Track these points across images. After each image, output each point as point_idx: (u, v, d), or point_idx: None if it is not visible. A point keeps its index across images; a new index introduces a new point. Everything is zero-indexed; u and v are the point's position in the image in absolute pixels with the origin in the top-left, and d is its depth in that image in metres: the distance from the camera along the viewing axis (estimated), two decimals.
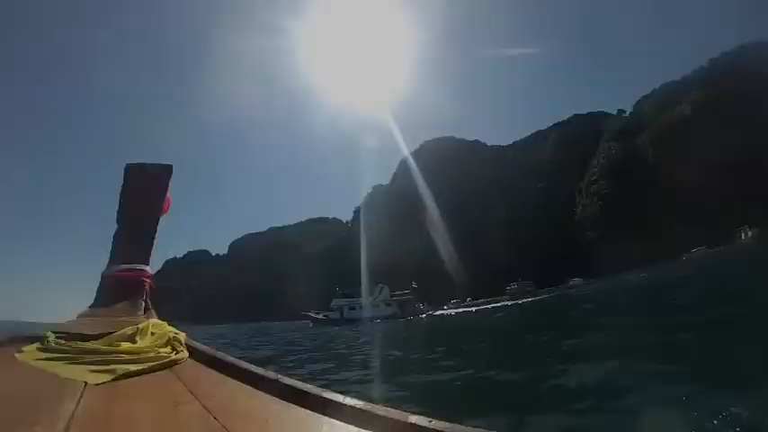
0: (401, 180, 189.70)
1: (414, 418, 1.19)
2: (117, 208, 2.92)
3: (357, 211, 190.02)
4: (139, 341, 1.91)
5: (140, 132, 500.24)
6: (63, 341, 1.77)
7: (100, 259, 2.82)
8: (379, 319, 54.33)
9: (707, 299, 19.24)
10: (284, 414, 1.38)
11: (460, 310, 61.24)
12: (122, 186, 2.92)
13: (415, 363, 13.78)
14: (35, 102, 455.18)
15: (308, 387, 1.52)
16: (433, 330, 29.36)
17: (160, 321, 2.29)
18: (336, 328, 45.59)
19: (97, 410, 1.23)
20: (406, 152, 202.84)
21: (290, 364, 15.23)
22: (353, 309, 62.39)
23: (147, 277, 2.77)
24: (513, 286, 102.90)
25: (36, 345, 1.75)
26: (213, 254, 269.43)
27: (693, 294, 22.59)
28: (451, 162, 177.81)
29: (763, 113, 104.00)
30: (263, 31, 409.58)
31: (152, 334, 2.04)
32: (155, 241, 2.95)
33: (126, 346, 1.82)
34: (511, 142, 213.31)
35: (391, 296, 64.47)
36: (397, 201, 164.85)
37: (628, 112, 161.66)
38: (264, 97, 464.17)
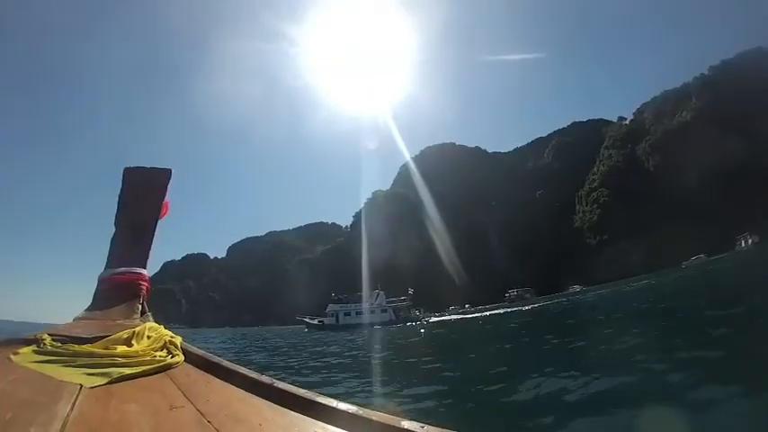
0: (401, 185, 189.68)
1: (406, 424, 1.20)
2: (115, 211, 2.92)
3: (356, 217, 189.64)
4: (135, 344, 1.94)
5: (141, 135, 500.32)
6: (59, 343, 1.79)
7: (101, 261, 2.81)
8: (374, 324, 53.63)
9: (716, 301, 18.73)
10: (278, 418, 1.39)
11: (458, 316, 60.52)
12: (121, 189, 2.92)
13: (401, 369, 13.44)
14: (39, 102, 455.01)
15: (302, 392, 1.53)
16: (425, 337, 28.78)
17: (156, 325, 2.31)
18: (332, 333, 44.98)
19: (92, 413, 1.24)
20: (407, 156, 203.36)
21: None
22: (349, 314, 61.83)
23: (145, 280, 2.76)
24: (513, 293, 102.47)
25: (32, 347, 1.76)
26: (212, 257, 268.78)
27: (703, 298, 22.17)
28: (452, 168, 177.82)
29: (764, 121, 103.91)
30: (266, 35, 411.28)
31: (148, 337, 2.07)
32: (152, 245, 2.94)
33: (122, 349, 1.84)
34: (512, 149, 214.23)
35: (387, 302, 63.84)
36: (396, 206, 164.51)
37: (628, 120, 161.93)
38: (266, 102, 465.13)
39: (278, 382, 1.64)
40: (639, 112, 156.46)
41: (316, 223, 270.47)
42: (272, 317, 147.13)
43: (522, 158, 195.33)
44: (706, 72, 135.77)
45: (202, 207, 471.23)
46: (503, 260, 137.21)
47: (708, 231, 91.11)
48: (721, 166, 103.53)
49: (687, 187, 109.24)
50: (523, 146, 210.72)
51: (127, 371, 1.62)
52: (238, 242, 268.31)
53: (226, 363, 1.94)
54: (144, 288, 2.75)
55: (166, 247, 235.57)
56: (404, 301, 64.73)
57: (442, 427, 1.14)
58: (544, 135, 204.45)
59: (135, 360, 1.75)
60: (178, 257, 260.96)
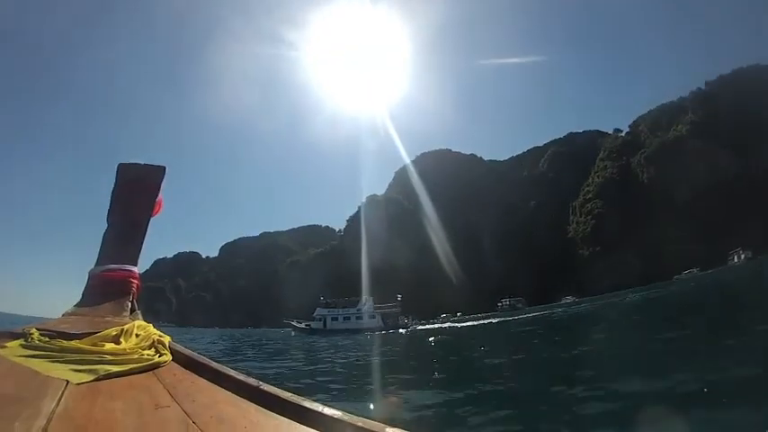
0: (396, 191, 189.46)
1: (390, 430, 1.22)
2: (108, 206, 2.90)
3: (350, 220, 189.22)
4: (124, 342, 1.95)
5: (138, 132, 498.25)
6: (47, 338, 1.79)
7: (93, 257, 2.81)
8: (361, 330, 53.04)
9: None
10: (263, 421, 1.39)
11: (446, 324, 60.07)
12: (114, 185, 2.90)
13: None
14: (36, 96, 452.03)
15: (288, 395, 1.53)
16: (411, 345, 28.36)
17: (145, 323, 2.33)
18: (324, 339, 44.39)
19: (77, 410, 1.24)
20: (406, 159, 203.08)
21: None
22: (336, 319, 60.98)
23: (135, 278, 2.74)
24: (505, 302, 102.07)
25: (20, 341, 1.77)
26: (203, 256, 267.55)
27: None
28: (447, 174, 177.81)
29: (758, 136, 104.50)
30: (263, 37, 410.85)
31: (136, 336, 2.08)
32: (144, 242, 2.91)
33: (110, 346, 1.84)
34: (507, 157, 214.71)
35: (376, 308, 63.23)
36: (391, 211, 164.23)
37: (624, 132, 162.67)
38: (263, 104, 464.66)
39: (265, 384, 1.64)
40: (635, 124, 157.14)
41: (309, 226, 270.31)
42: (263, 318, 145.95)
43: (517, 167, 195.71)
44: (702, 87, 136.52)
45: (196, 205, 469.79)
46: (495, 269, 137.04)
47: (701, 245, 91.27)
48: (715, 181, 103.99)
49: (681, 201, 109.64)
50: (519, 154, 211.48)
51: (114, 368, 1.62)
52: (231, 242, 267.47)
53: (213, 364, 1.93)
54: (134, 286, 2.70)
55: (158, 245, 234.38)
56: (393, 307, 64.16)
57: None
58: (540, 144, 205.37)
59: (122, 358, 1.76)
60: (170, 255, 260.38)
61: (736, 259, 78.41)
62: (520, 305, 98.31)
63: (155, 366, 1.80)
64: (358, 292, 66.71)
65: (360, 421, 1.32)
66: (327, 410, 1.39)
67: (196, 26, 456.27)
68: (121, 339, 1.95)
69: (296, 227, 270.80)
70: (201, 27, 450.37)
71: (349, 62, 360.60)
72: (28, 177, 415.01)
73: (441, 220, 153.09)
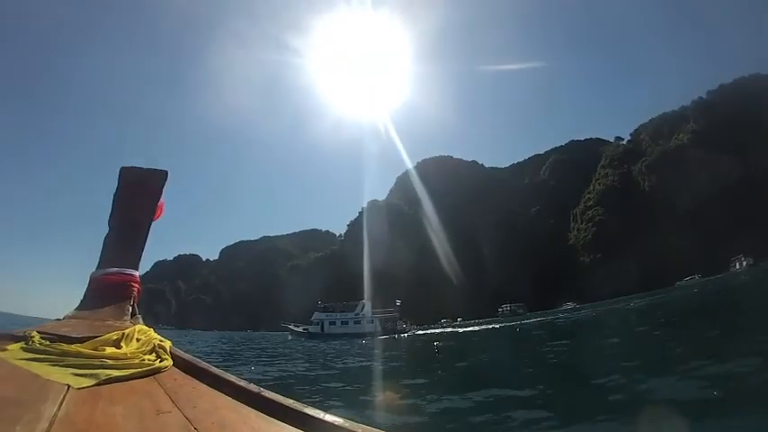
0: (397, 196, 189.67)
1: None
2: (110, 210, 2.91)
3: (350, 225, 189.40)
4: (124, 347, 1.94)
5: (141, 135, 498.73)
6: (48, 342, 1.78)
7: (94, 260, 2.83)
8: (359, 335, 52.64)
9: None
10: (264, 428, 1.39)
11: (446, 330, 59.95)
12: (116, 189, 2.91)
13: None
14: (46, 101, 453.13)
15: (290, 402, 1.52)
16: (408, 349, 28.34)
17: (146, 327, 2.33)
18: (322, 343, 44.28)
19: (79, 414, 1.23)
20: (408, 164, 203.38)
21: None
22: (334, 324, 60.68)
23: (136, 282, 2.75)
24: (506, 308, 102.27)
25: (20, 344, 1.76)
26: (204, 259, 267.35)
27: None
28: (449, 181, 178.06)
29: (759, 146, 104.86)
30: (265, 41, 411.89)
31: (137, 340, 2.08)
32: (145, 246, 2.92)
33: (111, 351, 1.83)
34: (508, 165, 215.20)
35: (374, 312, 62.95)
36: (392, 216, 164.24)
37: (625, 140, 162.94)
38: (264, 108, 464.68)
39: (266, 391, 1.62)
40: (636, 132, 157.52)
41: (310, 230, 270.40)
42: (262, 322, 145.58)
43: (518, 174, 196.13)
44: (704, 96, 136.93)
45: (197, 208, 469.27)
46: (496, 275, 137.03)
47: (702, 253, 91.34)
48: (717, 189, 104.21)
49: (682, 208, 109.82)
50: (520, 162, 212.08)
51: (115, 373, 1.61)
52: (231, 245, 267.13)
53: (214, 369, 1.92)
54: (135, 290, 2.72)
55: (159, 247, 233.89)
56: (391, 312, 63.88)
57: None
58: (541, 152, 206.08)
59: (123, 362, 1.75)
60: (170, 257, 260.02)
61: (737, 266, 78.54)
62: (521, 311, 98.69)
63: (156, 371, 1.79)
64: (358, 297, 66.58)
65: (360, 428, 1.32)
66: (329, 417, 1.38)
67: (201, 30, 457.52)
68: (122, 344, 1.94)
69: (296, 231, 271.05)
70: (206, 31, 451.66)
71: (350, 68, 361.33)
72: (31, 178, 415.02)
73: (442, 225, 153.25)
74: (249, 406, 1.54)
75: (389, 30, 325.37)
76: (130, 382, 1.63)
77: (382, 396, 10.28)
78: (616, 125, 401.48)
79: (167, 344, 2.13)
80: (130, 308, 2.63)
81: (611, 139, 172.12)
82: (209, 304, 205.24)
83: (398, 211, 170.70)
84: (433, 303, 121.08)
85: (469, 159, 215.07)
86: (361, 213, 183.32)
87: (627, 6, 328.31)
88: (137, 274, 2.78)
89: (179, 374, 1.86)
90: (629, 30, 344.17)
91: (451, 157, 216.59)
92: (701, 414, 6.08)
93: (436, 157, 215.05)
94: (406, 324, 62.75)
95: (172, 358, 1.99)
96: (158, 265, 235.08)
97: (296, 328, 63.03)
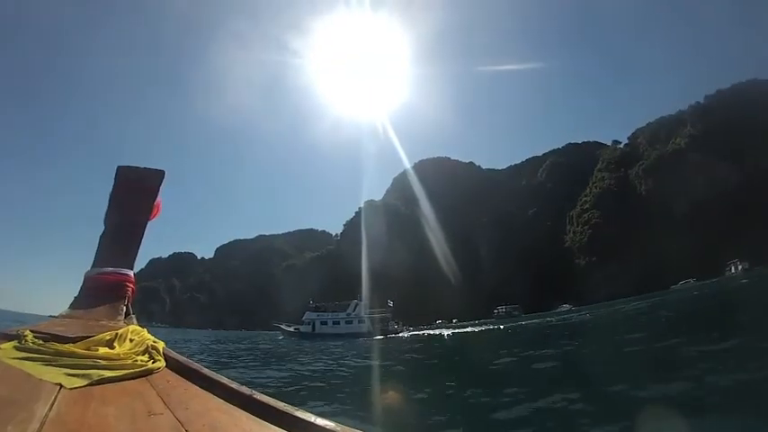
0: (394, 197, 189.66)
1: None
2: (106, 209, 2.89)
3: (346, 225, 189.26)
4: (118, 347, 1.93)
5: (139, 134, 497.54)
6: (41, 341, 1.77)
7: (90, 259, 2.79)
8: (350, 336, 52.15)
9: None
10: (255, 430, 1.38)
11: (438, 331, 59.65)
12: (113, 188, 2.89)
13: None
14: (45, 101, 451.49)
15: (281, 405, 1.51)
16: (394, 351, 28.13)
17: (140, 328, 2.31)
18: (308, 342, 43.96)
19: (71, 415, 1.23)
20: (407, 164, 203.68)
21: None
22: (326, 323, 60.20)
23: (131, 282, 2.72)
24: (501, 309, 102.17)
25: (13, 342, 1.74)
26: (199, 257, 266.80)
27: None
28: (446, 182, 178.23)
29: (756, 151, 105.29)
30: (264, 42, 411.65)
31: (131, 341, 2.05)
32: (140, 246, 2.91)
33: (103, 351, 1.82)
34: (506, 166, 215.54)
35: (367, 312, 62.43)
36: (388, 217, 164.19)
37: (622, 144, 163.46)
38: (264, 108, 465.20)
39: (258, 393, 1.62)
40: (634, 136, 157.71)
41: (306, 230, 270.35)
42: (257, 321, 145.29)
43: (515, 176, 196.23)
44: (701, 100, 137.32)
45: (193, 206, 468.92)
46: (492, 277, 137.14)
47: (697, 257, 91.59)
48: (713, 193, 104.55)
49: (679, 213, 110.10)
50: (518, 164, 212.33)
51: (108, 374, 1.61)
52: (227, 243, 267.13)
53: (206, 371, 1.92)
54: (129, 290, 2.67)
55: (154, 244, 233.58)
56: (384, 312, 63.43)
57: None
58: (539, 154, 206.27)
59: (116, 363, 1.74)
60: (165, 255, 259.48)
61: (733, 270, 78.71)
62: (516, 312, 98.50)
63: (148, 372, 1.79)
64: (355, 297, 65.86)
65: None
66: (320, 421, 1.38)
67: (201, 30, 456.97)
68: (115, 344, 1.93)
69: (292, 230, 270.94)
70: (205, 31, 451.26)
71: (347, 69, 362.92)
72: (31, 176, 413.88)
73: (439, 226, 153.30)
74: (241, 408, 1.53)
75: (387, 31, 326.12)
76: (123, 382, 1.63)
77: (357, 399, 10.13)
78: (613, 129, 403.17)
79: (160, 345, 2.12)
80: (124, 308, 2.58)
81: (609, 143, 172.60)
82: (204, 303, 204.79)
83: (395, 211, 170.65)
84: (430, 304, 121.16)
85: (466, 161, 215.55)
86: (357, 213, 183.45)
87: (625, 9, 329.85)
88: (131, 273, 2.73)
89: (171, 376, 1.86)
90: (627, 33, 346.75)
91: (449, 158, 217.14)
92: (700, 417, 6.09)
93: (433, 158, 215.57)
94: (398, 325, 62.40)
95: (165, 359, 1.99)
96: (153, 263, 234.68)
97: (287, 328, 62.71)
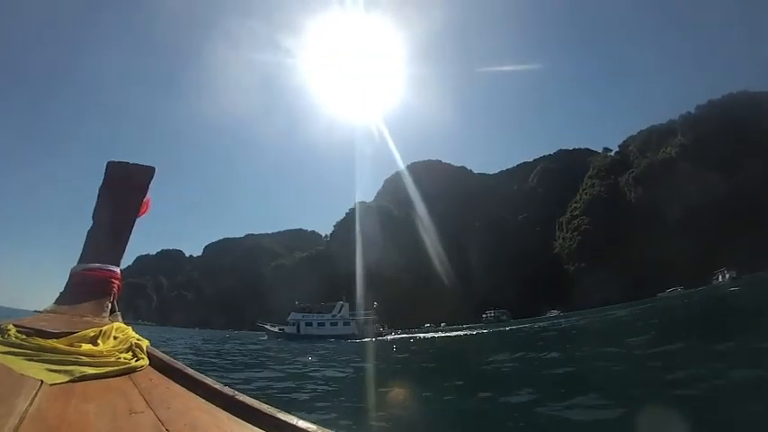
0: (385, 199, 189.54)
1: None
2: (95, 204, 2.87)
3: (336, 226, 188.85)
4: (101, 344, 1.91)
5: (129, 130, 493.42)
6: (24, 336, 1.75)
7: (77, 254, 2.77)
8: (335, 337, 52.16)
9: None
10: (236, 431, 1.38)
11: (422, 335, 59.49)
12: (102, 183, 2.88)
13: None
14: (40, 97, 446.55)
15: (264, 407, 1.50)
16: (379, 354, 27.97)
17: (124, 326, 2.30)
18: (293, 344, 43.54)
19: (51, 411, 1.21)
20: (401, 165, 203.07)
21: None
22: (310, 324, 59.79)
23: (117, 279, 2.70)
24: (490, 314, 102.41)
25: None
26: (187, 255, 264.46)
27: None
28: (437, 185, 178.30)
29: (745, 161, 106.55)
30: (256, 40, 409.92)
31: (115, 338, 2.04)
32: (128, 242, 2.88)
33: (87, 347, 1.80)
34: (497, 171, 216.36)
35: (352, 315, 62.14)
36: (379, 219, 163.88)
37: (613, 151, 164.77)
38: (255, 107, 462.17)
39: (240, 394, 1.61)
40: (625, 144, 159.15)
41: (295, 229, 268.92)
42: (245, 321, 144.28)
43: (507, 181, 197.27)
44: (692, 111, 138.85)
45: (182, 203, 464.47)
46: (482, 281, 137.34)
47: (685, 265, 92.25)
48: (702, 203, 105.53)
49: (668, 221, 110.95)
50: (509, 169, 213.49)
51: (90, 370, 1.58)
52: (216, 242, 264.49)
53: (189, 370, 1.90)
54: (115, 287, 2.64)
55: (142, 241, 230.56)
56: (369, 315, 63.13)
57: None
58: (530, 160, 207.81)
59: (99, 360, 1.72)
60: (153, 252, 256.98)
61: (720, 278, 79.43)
62: (504, 317, 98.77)
63: (131, 370, 1.77)
64: (341, 299, 65.49)
65: None
66: (302, 423, 1.38)
67: (192, 28, 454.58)
68: (99, 341, 1.90)
69: (282, 230, 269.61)
70: (197, 29, 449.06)
71: (340, 69, 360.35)
72: (28, 171, 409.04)
73: (430, 229, 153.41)
74: (223, 409, 1.52)
75: (380, 32, 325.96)
76: (105, 380, 1.61)
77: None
78: (604, 136, 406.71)
79: (144, 343, 2.10)
80: (110, 304, 2.54)
81: (600, 150, 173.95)
82: (192, 301, 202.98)
83: (387, 213, 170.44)
84: (421, 307, 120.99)
85: (458, 164, 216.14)
86: (348, 214, 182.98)
87: (618, 16, 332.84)
88: (118, 270, 2.68)
89: (154, 374, 1.84)
90: (621, 40, 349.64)
91: (440, 161, 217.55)
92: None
93: (425, 160, 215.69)
94: (383, 327, 62.18)
95: (148, 358, 1.97)
96: (140, 260, 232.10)
97: (272, 329, 62.22)
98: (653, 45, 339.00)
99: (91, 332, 1.92)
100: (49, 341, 1.72)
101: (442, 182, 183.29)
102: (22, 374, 1.40)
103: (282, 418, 1.41)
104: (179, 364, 1.96)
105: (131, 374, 1.74)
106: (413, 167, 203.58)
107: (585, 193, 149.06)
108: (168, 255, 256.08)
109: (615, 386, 8.95)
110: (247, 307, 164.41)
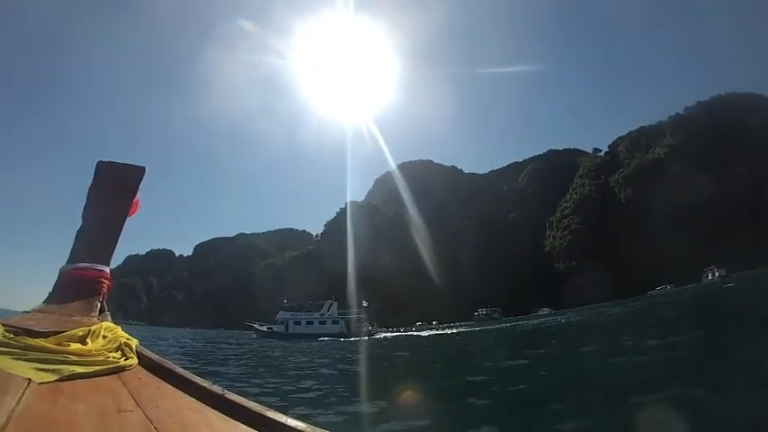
0: (375, 198, 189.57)
1: None
2: (84, 204, 2.84)
3: (327, 226, 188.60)
4: (90, 343, 1.88)
5: (121, 130, 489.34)
6: (12, 335, 1.72)
7: (66, 254, 2.71)
8: (323, 336, 51.81)
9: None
10: (225, 429, 1.37)
11: (415, 333, 59.52)
12: (92, 183, 2.84)
13: None
14: (38, 94, 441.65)
15: (253, 405, 1.50)
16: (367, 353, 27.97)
17: (113, 325, 2.28)
18: (278, 341, 43.52)
19: (38, 410, 1.21)
20: (392, 165, 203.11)
21: None
22: (299, 323, 59.60)
23: (106, 278, 2.66)
24: (481, 312, 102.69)
25: None
26: (177, 254, 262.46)
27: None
28: (428, 185, 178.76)
29: (733, 162, 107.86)
30: (248, 41, 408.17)
31: (104, 337, 2.01)
32: (118, 242, 2.85)
33: (75, 347, 1.78)
34: (487, 171, 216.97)
35: (340, 313, 61.98)
36: (370, 218, 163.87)
37: (603, 152, 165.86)
38: (246, 109, 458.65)
39: (229, 393, 1.60)
40: (614, 145, 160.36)
41: (286, 229, 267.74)
42: (236, 321, 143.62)
43: (497, 181, 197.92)
44: (681, 112, 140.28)
45: (172, 203, 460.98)
46: (472, 279, 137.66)
47: (675, 263, 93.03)
48: (691, 202, 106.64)
49: (657, 220, 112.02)
50: (499, 169, 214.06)
51: (78, 369, 1.57)
52: (206, 241, 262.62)
53: (179, 369, 1.89)
54: (105, 286, 2.60)
55: (131, 240, 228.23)
56: (359, 313, 62.99)
57: None
58: (520, 160, 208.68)
59: (88, 359, 1.70)
60: (142, 252, 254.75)
61: (710, 276, 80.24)
62: (496, 315, 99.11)
63: (120, 369, 1.75)
64: (336, 298, 65.23)
65: None
66: (291, 421, 1.38)
67: (184, 29, 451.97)
68: (88, 340, 1.88)
69: (272, 229, 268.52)
70: (189, 30, 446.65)
71: (330, 69, 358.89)
72: (23, 172, 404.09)
73: (420, 229, 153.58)
74: (212, 407, 1.51)
75: (371, 32, 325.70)
76: (94, 379, 1.59)
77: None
78: (594, 137, 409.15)
79: (134, 342, 2.08)
80: (99, 304, 2.51)
81: (589, 150, 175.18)
82: (182, 301, 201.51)
83: (378, 212, 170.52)
84: (413, 305, 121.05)
85: (449, 164, 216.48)
86: (338, 214, 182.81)
87: (608, 18, 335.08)
88: (108, 269, 2.65)
89: (144, 373, 1.83)
90: (610, 42, 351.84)
91: (431, 161, 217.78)
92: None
93: (416, 160, 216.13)
94: (372, 326, 62.05)
95: (138, 357, 1.96)
96: (130, 260, 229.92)
97: (260, 327, 62.02)
98: (643, 47, 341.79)
99: (80, 331, 1.90)
100: (38, 340, 1.71)
101: (432, 181, 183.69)
102: (9, 373, 1.39)
103: (271, 416, 1.41)
104: (168, 363, 1.94)
105: (120, 374, 1.73)
106: (404, 167, 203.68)
107: (575, 193, 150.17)
108: (158, 254, 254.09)
109: (615, 386, 8.97)
110: (238, 306, 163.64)
